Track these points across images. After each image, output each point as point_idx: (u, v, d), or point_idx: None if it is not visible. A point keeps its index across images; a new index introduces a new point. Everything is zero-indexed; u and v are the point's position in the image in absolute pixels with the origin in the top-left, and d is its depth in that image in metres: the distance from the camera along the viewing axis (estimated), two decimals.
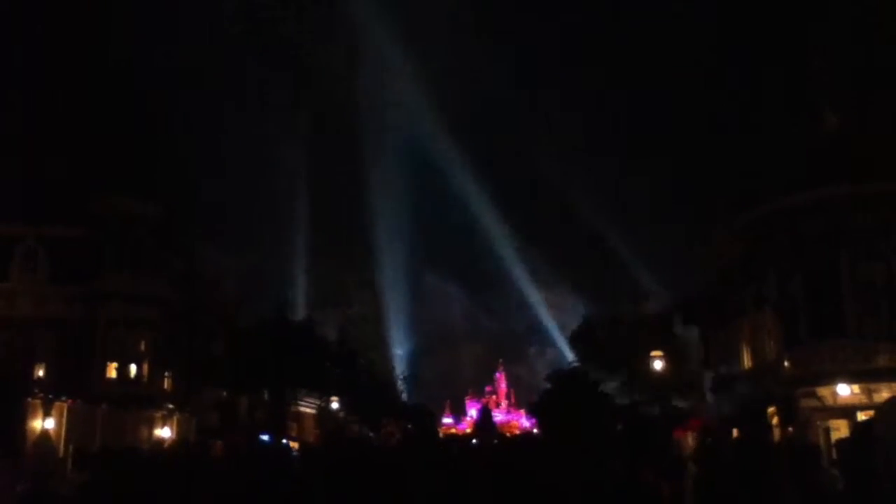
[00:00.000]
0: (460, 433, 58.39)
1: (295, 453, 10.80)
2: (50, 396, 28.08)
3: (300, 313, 46.98)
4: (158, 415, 34.27)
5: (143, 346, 33.36)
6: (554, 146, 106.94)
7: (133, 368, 33.12)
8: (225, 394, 38.57)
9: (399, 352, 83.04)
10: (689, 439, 26.63)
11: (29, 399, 27.10)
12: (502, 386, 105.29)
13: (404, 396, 67.86)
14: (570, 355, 48.74)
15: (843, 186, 25.26)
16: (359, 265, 79.47)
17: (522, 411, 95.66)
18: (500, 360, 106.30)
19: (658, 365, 31.15)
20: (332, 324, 55.12)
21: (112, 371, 32.74)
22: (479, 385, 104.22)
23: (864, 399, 24.10)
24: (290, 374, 38.90)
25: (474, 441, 13.92)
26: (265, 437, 30.02)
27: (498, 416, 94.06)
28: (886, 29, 27.14)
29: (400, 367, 74.64)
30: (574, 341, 48.24)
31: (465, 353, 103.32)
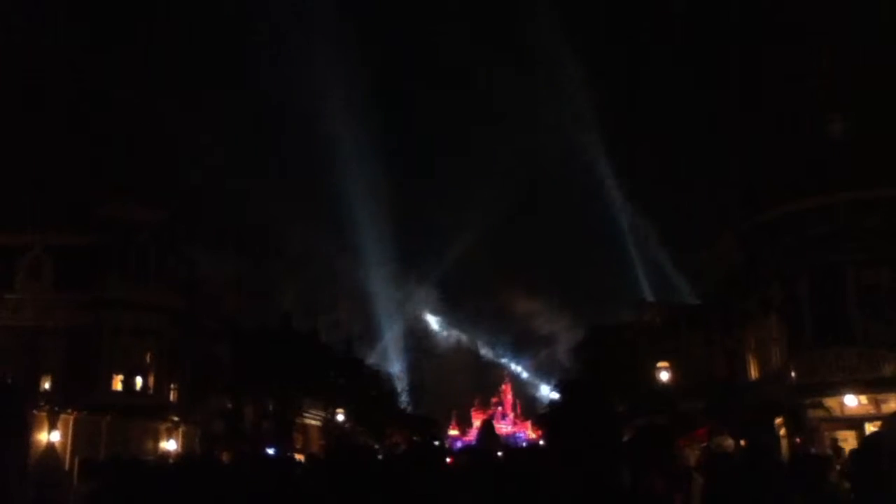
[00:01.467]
0: (466, 445, 58.13)
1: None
2: (56, 409, 28.07)
3: (297, 319, 46.67)
4: (163, 426, 34.19)
5: (147, 355, 33.25)
6: (552, 148, 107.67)
7: (139, 380, 33.04)
8: (230, 405, 38.49)
9: (395, 369, 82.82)
10: (695, 448, 26.48)
11: (35, 412, 27.08)
12: (508, 397, 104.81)
13: (404, 406, 67.49)
14: (560, 364, 48.62)
15: (848, 190, 25.24)
16: (345, 273, 79.32)
17: (528, 423, 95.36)
18: (506, 372, 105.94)
19: (664, 376, 31.06)
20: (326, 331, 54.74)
21: (117, 383, 32.66)
22: (478, 395, 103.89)
23: (871, 410, 23.91)
24: (295, 381, 38.76)
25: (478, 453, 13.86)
26: (270, 451, 29.97)
27: (504, 428, 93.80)
28: (891, 30, 27.16)
29: (398, 379, 74.34)
30: (579, 351, 48.15)
31: (460, 362, 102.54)
